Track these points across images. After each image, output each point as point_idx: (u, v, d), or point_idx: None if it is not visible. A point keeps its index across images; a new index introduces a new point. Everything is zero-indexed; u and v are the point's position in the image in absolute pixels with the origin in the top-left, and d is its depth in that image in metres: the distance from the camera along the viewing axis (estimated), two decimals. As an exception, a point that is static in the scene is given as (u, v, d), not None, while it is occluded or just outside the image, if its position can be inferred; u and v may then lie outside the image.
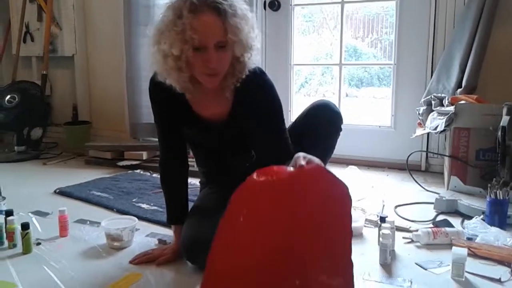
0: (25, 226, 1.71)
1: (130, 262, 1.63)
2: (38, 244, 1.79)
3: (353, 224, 1.84)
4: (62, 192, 2.47)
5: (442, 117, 2.37)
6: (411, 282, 1.47)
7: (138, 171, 2.99)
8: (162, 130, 1.67)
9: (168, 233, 1.89)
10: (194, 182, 2.61)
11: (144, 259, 1.64)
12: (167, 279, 1.52)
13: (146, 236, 1.89)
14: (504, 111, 2.12)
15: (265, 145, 1.60)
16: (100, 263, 1.64)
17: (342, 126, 1.75)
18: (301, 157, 1.29)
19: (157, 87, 1.55)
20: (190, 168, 1.76)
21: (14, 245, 1.75)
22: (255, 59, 1.53)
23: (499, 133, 2.06)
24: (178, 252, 1.64)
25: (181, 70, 1.43)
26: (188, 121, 1.62)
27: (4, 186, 2.01)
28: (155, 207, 2.21)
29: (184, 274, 1.55)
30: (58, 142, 3.83)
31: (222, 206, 1.66)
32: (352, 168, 2.64)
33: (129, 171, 2.97)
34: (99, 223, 1.97)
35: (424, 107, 2.60)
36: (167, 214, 1.72)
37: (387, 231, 1.61)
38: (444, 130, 2.35)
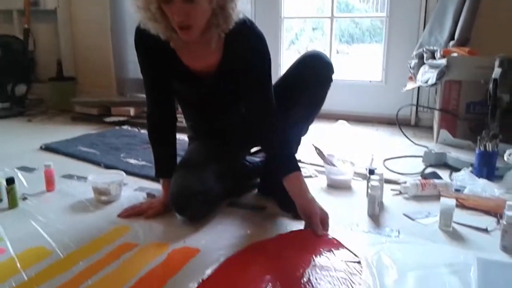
0: (9, 181, 1.68)
1: (118, 215, 1.62)
2: (25, 199, 1.77)
3: (342, 177, 1.85)
4: (48, 148, 2.44)
5: (433, 70, 2.34)
6: (399, 232, 1.48)
7: (125, 127, 2.95)
8: (148, 81, 1.62)
9: (156, 187, 1.88)
10: (182, 137, 2.59)
11: (133, 213, 1.63)
12: (156, 231, 1.52)
13: (134, 190, 1.88)
14: (496, 63, 2.10)
15: (250, 100, 1.57)
16: (88, 217, 1.63)
17: (333, 81, 1.72)
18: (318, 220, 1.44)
19: (142, 34, 1.49)
20: (178, 124, 1.72)
21: (0, 200, 1.72)
22: (243, 9, 1.47)
23: (491, 85, 2.04)
24: (166, 205, 1.63)
25: (156, 20, 1.38)
26: (176, 72, 1.57)
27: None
28: (143, 162, 2.19)
29: (173, 226, 1.55)
30: (43, 98, 3.76)
31: (210, 159, 1.65)
32: (342, 123, 2.62)
33: (116, 127, 2.93)
34: (86, 178, 1.94)
35: (416, 61, 2.56)
36: (155, 167, 1.70)
37: (375, 183, 1.61)
38: (435, 83, 2.32)
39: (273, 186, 1.73)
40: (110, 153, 2.34)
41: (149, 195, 1.81)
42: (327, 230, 1.46)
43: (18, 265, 1.29)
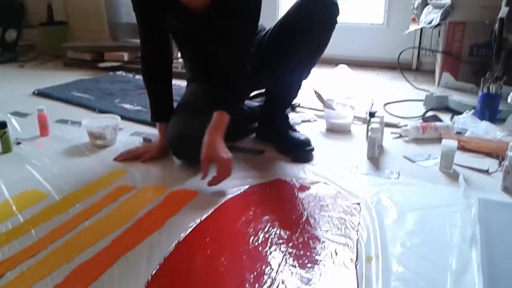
0: (2, 125, 1.64)
1: (115, 159, 1.60)
2: (18, 143, 1.73)
3: (341, 121, 1.82)
4: (41, 93, 2.38)
5: (437, 10, 2.25)
6: (399, 174, 1.47)
7: (119, 72, 2.87)
8: (141, 18, 1.54)
9: (153, 132, 1.84)
10: (178, 83, 2.53)
11: (129, 156, 1.60)
12: (153, 174, 1.49)
13: (130, 135, 1.84)
14: (504, 1, 2.01)
15: (231, 43, 1.50)
16: (84, 161, 1.60)
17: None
18: None
19: None
20: (174, 70, 1.66)
21: (-7, 145, 1.69)
22: None
23: (496, 25, 1.97)
24: (163, 149, 1.61)
25: None
26: (169, 7, 1.49)
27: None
28: (139, 107, 2.14)
29: (170, 170, 1.53)
30: (35, 44, 3.65)
31: (208, 102, 1.60)
32: (342, 67, 2.55)
33: (110, 73, 2.85)
34: (81, 123, 1.91)
35: (419, 1, 2.46)
36: (151, 111, 1.66)
37: (376, 125, 1.57)
38: (439, 24, 2.25)
39: (271, 130, 1.70)
40: (104, 99, 2.28)
41: (146, 139, 1.78)
42: (216, 182, 1.36)
43: (14, 207, 1.27)
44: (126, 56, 2.98)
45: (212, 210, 1.27)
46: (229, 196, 1.34)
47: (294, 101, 1.91)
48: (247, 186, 1.40)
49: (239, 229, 1.18)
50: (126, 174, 1.49)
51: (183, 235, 1.15)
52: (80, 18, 3.59)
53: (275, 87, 1.69)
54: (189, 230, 1.17)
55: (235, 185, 1.40)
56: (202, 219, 1.23)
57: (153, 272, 1.01)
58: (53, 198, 1.33)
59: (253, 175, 1.47)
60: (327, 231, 1.17)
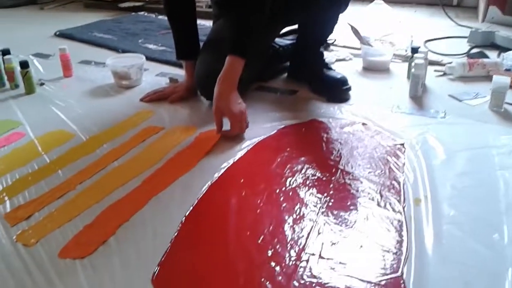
0: (24, 65, 1.57)
1: (141, 99, 1.53)
2: (42, 84, 1.67)
3: (380, 58, 1.69)
4: (62, 35, 2.30)
5: None
6: (445, 113, 1.36)
7: (142, 13, 2.76)
8: None
9: (179, 72, 1.76)
10: (202, 23, 2.42)
11: (155, 97, 1.53)
12: (181, 115, 1.42)
13: (156, 75, 1.76)
14: None
15: None
16: (109, 101, 1.54)
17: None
18: None
19: None
20: (198, 10, 1.54)
21: (16, 86, 1.64)
22: None
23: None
24: (191, 90, 1.52)
25: None
26: None
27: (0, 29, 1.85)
28: (163, 47, 2.04)
29: (199, 111, 1.45)
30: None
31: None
32: (378, 3, 2.38)
33: (132, 13, 2.74)
34: (104, 63, 1.83)
35: None
36: (177, 50, 1.56)
37: (420, 61, 1.45)
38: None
39: (304, 69, 1.59)
40: (127, 39, 2.19)
41: (172, 80, 1.70)
42: (242, 130, 1.27)
43: (39, 148, 1.23)
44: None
45: (245, 151, 1.20)
46: (262, 138, 1.26)
47: (329, 38, 1.78)
48: (280, 127, 1.32)
49: (274, 171, 1.11)
50: (153, 115, 1.42)
51: (216, 175, 1.09)
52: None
53: (309, 22, 1.56)
54: (222, 171, 1.11)
55: (267, 126, 1.32)
56: (235, 160, 1.16)
57: (187, 214, 0.96)
58: (79, 139, 1.28)
59: (286, 116, 1.38)
60: (369, 172, 1.09)
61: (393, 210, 0.95)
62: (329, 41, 1.94)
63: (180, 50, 1.54)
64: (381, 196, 1.00)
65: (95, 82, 1.70)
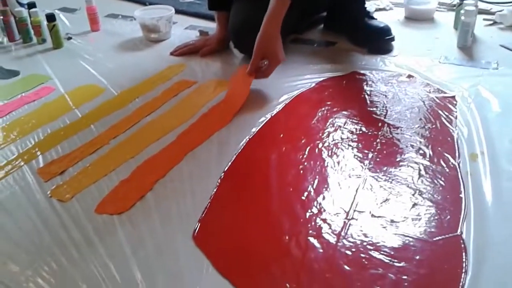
0: (50, 18, 1.52)
1: (171, 53, 1.46)
2: (69, 38, 1.62)
3: (424, 7, 1.58)
4: (87, -12, 2.22)
5: None
6: (498, 64, 1.26)
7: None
8: None
9: (209, 25, 1.68)
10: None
11: (186, 50, 1.46)
12: (214, 69, 1.36)
13: (185, 29, 1.69)
14: None
15: None
16: (139, 55, 1.48)
17: None
18: None
19: None
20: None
21: (44, 40, 1.59)
22: None
23: None
24: (223, 42, 1.45)
25: None
26: None
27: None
28: None
29: (231, 64, 1.38)
30: None
31: None
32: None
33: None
34: (132, 17, 1.77)
35: None
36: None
37: (471, 8, 1.34)
38: None
39: (343, 18, 1.49)
40: (154, -8, 2.10)
41: (202, 32, 1.62)
42: (266, 75, 1.19)
43: (70, 102, 1.19)
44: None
45: (283, 105, 1.13)
46: (300, 91, 1.19)
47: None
48: (319, 80, 1.24)
49: (315, 125, 1.05)
50: (184, 68, 1.36)
51: (254, 130, 1.03)
52: None
53: None
54: (260, 126, 1.05)
55: (305, 80, 1.24)
56: (273, 114, 1.10)
57: (225, 169, 0.91)
58: (110, 93, 1.23)
59: (324, 69, 1.30)
60: (419, 126, 1.01)
61: (447, 166, 0.88)
62: None
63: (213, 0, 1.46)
64: (433, 151, 0.92)
65: (123, 35, 1.64)
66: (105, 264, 0.70)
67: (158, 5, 1.76)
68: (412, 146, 0.95)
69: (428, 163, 0.89)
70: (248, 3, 1.35)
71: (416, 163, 0.89)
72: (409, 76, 1.23)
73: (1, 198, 0.86)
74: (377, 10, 1.71)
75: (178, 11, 1.79)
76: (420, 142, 0.96)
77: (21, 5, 1.63)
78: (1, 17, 1.60)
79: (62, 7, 1.96)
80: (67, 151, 0.99)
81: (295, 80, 1.24)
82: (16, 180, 0.90)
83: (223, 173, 0.90)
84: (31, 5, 1.61)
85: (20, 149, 1.00)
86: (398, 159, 0.91)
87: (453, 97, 1.11)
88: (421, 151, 0.93)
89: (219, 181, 0.88)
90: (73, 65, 1.41)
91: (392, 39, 1.39)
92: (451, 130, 0.99)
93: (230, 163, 0.93)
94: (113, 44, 1.57)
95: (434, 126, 1.01)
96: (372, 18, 1.46)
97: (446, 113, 1.05)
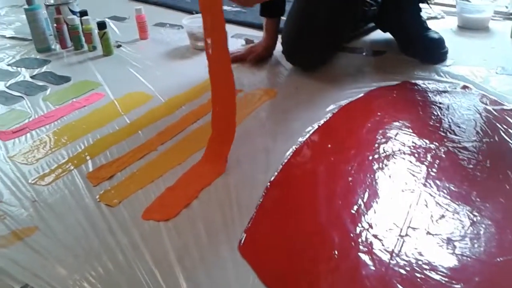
0: (101, 25, 1.56)
1: None
2: (119, 46, 1.66)
3: (479, 15, 1.52)
4: (136, -2, 2.28)
5: None
6: (562, 76, 1.19)
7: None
8: None
9: (254, 34, 1.68)
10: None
11: (232, 58, 1.45)
12: (259, 77, 1.35)
13: (231, 37, 1.69)
14: None
15: None
16: (186, 64, 1.49)
17: None
18: None
19: None
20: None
21: (94, 48, 1.63)
22: None
23: None
24: (269, 49, 1.44)
25: None
26: None
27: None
28: (238, 8, 1.96)
29: (277, 72, 1.37)
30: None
31: None
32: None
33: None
34: (179, 25, 1.80)
35: None
36: (262, 5, 1.45)
37: (531, 16, 1.27)
38: None
39: (393, 23, 1.44)
40: (201, 1, 2.13)
41: (248, 41, 1.62)
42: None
43: (119, 108, 1.21)
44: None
45: (330, 114, 1.11)
46: (349, 100, 1.16)
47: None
48: (368, 90, 1.21)
49: (365, 136, 1.02)
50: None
51: (300, 140, 1.01)
52: None
53: None
54: (307, 135, 1.03)
55: (353, 89, 1.21)
56: (320, 124, 1.07)
57: (271, 179, 0.89)
58: (158, 100, 1.24)
59: (373, 78, 1.27)
60: (475, 140, 0.96)
61: (507, 182, 0.83)
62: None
63: (266, 5, 1.44)
64: (492, 166, 0.87)
65: (171, 44, 1.66)
66: (151, 271, 0.70)
67: (205, 13, 1.77)
68: (469, 160, 0.90)
69: (487, 179, 0.84)
70: (301, 11, 1.33)
71: (474, 178, 0.85)
72: (464, 87, 1.17)
73: (51, 201, 0.87)
74: (429, 18, 1.66)
75: (224, 20, 1.80)
76: (478, 156, 0.91)
77: (74, 13, 1.68)
78: (55, 25, 1.65)
79: (113, 16, 2.02)
80: (116, 156, 1.00)
81: (344, 89, 1.22)
82: (66, 184, 0.92)
83: (269, 183, 0.88)
84: (83, 13, 1.65)
85: (71, 153, 1.02)
86: (454, 174, 0.86)
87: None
88: (478, 166, 0.88)
89: (265, 190, 0.86)
90: (122, 72, 1.44)
91: (446, 52, 1.34)
92: (510, 144, 0.93)
93: (276, 173, 0.91)
94: (161, 52, 1.59)
95: (492, 139, 0.96)
96: (427, 28, 1.40)
97: (505, 127, 0.99)
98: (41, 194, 0.89)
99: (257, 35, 1.65)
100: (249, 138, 1.04)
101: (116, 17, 2.01)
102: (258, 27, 1.74)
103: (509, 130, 0.98)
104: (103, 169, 0.95)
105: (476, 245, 0.70)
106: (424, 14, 1.63)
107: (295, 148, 0.99)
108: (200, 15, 1.72)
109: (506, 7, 1.62)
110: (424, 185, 0.84)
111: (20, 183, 0.93)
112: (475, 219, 0.75)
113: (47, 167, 0.98)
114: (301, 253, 0.72)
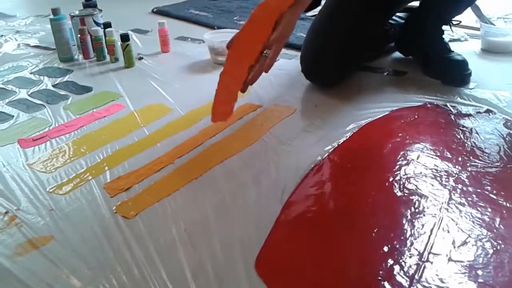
0: (124, 38, 1.58)
1: None
2: (140, 58, 1.68)
3: (504, 39, 1.51)
4: (159, 11, 2.31)
5: None
6: None
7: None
8: None
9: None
10: None
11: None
12: (278, 93, 1.34)
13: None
14: None
15: None
16: (206, 77, 1.50)
17: None
18: None
19: None
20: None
21: (116, 59, 1.65)
22: None
23: None
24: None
25: None
26: None
27: (100, 6, 1.87)
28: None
29: (296, 89, 1.35)
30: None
31: (353, 14, 1.33)
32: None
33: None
34: (201, 40, 1.81)
35: None
36: None
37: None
38: None
39: (415, 47, 1.44)
40: (222, 16, 2.15)
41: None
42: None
43: (139, 120, 1.21)
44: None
45: (350, 133, 1.09)
46: (369, 120, 1.15)
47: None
48: (389, 110, 1.19)
49: (385, 157, 1.00)
50: (249, 91, 1.35)
51: (319, 158, 1.00)
52: None
53: None
54: (326, 154, 1.02)
55: (374, 109, 1.20)
56: (340, 143, 1.06)
57: (289, 197, 0.88)
58: (177, 113, 1.24)
59: (395, 98, 1.25)
60: (499, 165, 0.94)
61: (534, 210, 0.81)
62: (454, 22, 1.60)
63: None
64: (517, 193, 0.85)
65: (192, 57, 1.67)
66: (165, 286, 0.69)
67: (226, 29, 1.79)
68: (492, 186, 0.88)
69: (510, 206, 0.82)
70: (318, 33, 1.33)
71: (497, 204, 0.82)
72: (488, 111, 1.15)
73: (68, 211, 0.87)
74: (452, 40, 1.64)
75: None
76: (501, 182, 0.88)
77: (98, 24, 1.71)
78: (79, 35, 1.68)
79: (135, 29, 2.04)
80: (134, 168, 1.00)
81: (364, 108, 1.20)
82: (83, 194, 0.92)
83: (286, 201, 0.87)
84: (107, 25, 1.68)
85: (89, 163, 1.02)
86: (476, 199, 0.84)
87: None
88: (502, 193, 0.86)
89: (282, 209, 0.85)
90: (143, 84, 1.45)
91: (469, 74, 1.32)
92: (537, 172, 0.91)
93: (294, 190, 0.90)
94: (181, 65, 1.60)
95: (517, 165, 0.93)
96: (450, 50, 1.39)
97: (530, 156, 0.97)
98: (58, 203, 0.89)
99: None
100: (266, 155, 1.03)
101: (139, 29, 2.04)
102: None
103: (534, 158, 0.96)
104: (121, 180, 0.95)
105: (500, 274, 0.68)
106: (447, 37, 1.62)
107: (313, 166, 0.97)
108: (221, 30, 1.74)
109: (531, 30, 1.59)
110: (446, 209, 0.82)
111: (38, 191, 0.93)
112: (498, 247, 0.73)
113: (65, 176, 0.98)
114: (318, 275, 0.70)
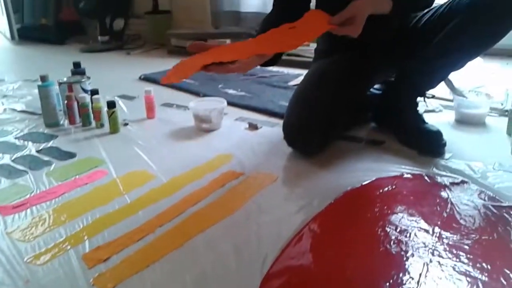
0: (111, 105, 1.61)
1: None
2: (126, 124, 1.71)
3: (475, 111, 1.57)
4: (147, 78, 2.38)
5: None
6: (558, 174, 1.21)
7: (222, 60, 2.81)
8: None
9: (258, 117, 1.74)
10: (281, 70, 2.43)
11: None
12: (261, 160, 1.38)
13: (235, 120, 1.74)
14: None
15: None
16: (190, 144, 1.53)
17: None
18: None
19: None
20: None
21: (102, 125, 1.68)
22: None
23: None
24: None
25: None
26: None
27: (89, 73, 1.93)
28: (243, 93, 2.05)
29: (279, 157, 1.39)
30: (140, 34, 3.73)
31: (338, 83, 1.38)
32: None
33: (213, 60, 2.80)
34: (186, 106, 1.86)
35: None
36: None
37: (526, 115, 1.32)
38: None
39: (391, 117, 1.50)
40: (208, 84, 2.22)
41: (251, 125, 1.67)
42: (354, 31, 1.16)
43: (121, 187, 1.22)
44: (228, 43, 2.92)
45: (329, 202, 1.11)
46: (348, 189, 1.18)
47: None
48: (368, 180, 1.22)
49: (365, 227, 1.02)
50: (232, 159, 1.39)
51: (300, 227, 1.01)
52: (183, 7, 3.59)
53: (418, 69, 1.40)
54: (306, 224, 1.03)
55: (352, 177, 1.23)
56: (319, 212, 1.08)
57: (269, 269, 0.88)
58: (160, 180, 1.26)
59: (373, 168, 1.29)
60: (474, 237, 0.96)
61: (508, 283, 0.82)
62: (427, 95, 1.73)
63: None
64: (491, 266, 0.87)
65: (176, 124, 1.71)
66: None
67: (211, 97, 1.85)
68: (467, 258, 0.89)
69: (486, 279, 0.83)
70: (301, 102, 1.38)
71: (473, 277, 0.84)
72: (462, 182, 1.19)
73: (45, 282, 0.86)
74: (427, 111, 1.72)
75: (229, 103, 1.86)
76: (477, 254, 0.90)
77: (85, 91, 1.75)
78: (66, 101, 1.71)
79: (122, 94, 2.09)
80: (114, 237, 0.99)
81: (343, 177, 1.24)
82: (61, 264, 0.91)
83: (266, 273, 0.87)
84: (94, 92, 1.72)
85: (69, 232, 1.02)
86: (453, 272, 0.86)
87: (510, 207, 1.06)
88: (478, 265, 0.87)
89: (262, 281, 0.85)
90: (127, 150, 1.47)
91: (444, 144, 1.37)
92: (509, 244, 0.93)
93: (274, 261, 0.90)
94: (166, 132, 1.63)
95: (490, 237, 0.96)
96: (424, 121, 1.45)
97: (503, 225, 1.00)
98: (35, 274, 0.88)
99: (261, 119, 1.71)
100: (248, 224, 1.04)
101: (126, 95, 2.08)
102: (262, 111, 1.80)
103: (508, 228, 0.98)
104: (100, 250, 0.94)
105: None
106: (421, 107, 1.70)
107: (294, 236, 0.98)
108: (207, 98, 1.80)
109: (502, 104, 1.68)
110: (424, 283, 0.83)
111: (15, 261, 0.92)
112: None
113: (44, 245, 0.97)
114: None
